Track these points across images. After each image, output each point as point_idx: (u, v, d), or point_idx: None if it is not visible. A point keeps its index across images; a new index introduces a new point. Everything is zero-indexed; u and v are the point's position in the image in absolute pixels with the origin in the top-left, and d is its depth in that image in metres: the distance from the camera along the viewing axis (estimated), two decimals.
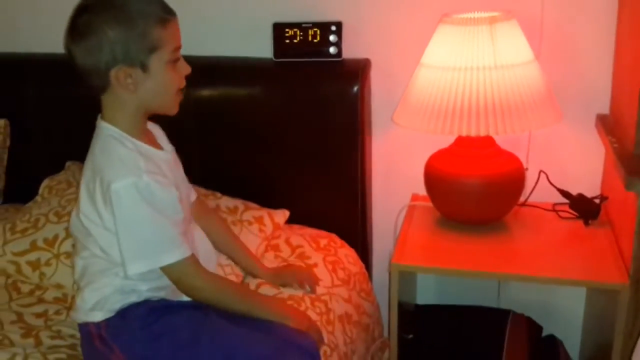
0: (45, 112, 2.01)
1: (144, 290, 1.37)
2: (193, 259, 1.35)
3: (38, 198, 1.81)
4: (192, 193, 1.58)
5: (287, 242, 1.78)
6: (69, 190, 1.77)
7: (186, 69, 1.35)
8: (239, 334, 1.36)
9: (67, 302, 1.59)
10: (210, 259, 1.53)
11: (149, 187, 1.27)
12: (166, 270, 1.33)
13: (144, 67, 1.28)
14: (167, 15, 1.30)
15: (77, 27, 1.27)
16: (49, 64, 1.98)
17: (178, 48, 1.33)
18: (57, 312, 1.56)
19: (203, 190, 1.79)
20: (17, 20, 2.07)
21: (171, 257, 1.32)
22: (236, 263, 1.62)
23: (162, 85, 1.32)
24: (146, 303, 1.38)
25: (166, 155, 1.40)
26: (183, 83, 1.36)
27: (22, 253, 1.66)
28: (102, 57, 1.26)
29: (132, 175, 1.27)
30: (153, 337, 1.35)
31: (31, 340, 1.44)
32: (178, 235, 1.32)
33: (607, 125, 1.71)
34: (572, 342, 1.95)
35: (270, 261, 1.72)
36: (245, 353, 1.33)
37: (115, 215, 1.28)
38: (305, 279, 1.63)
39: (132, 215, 1.29)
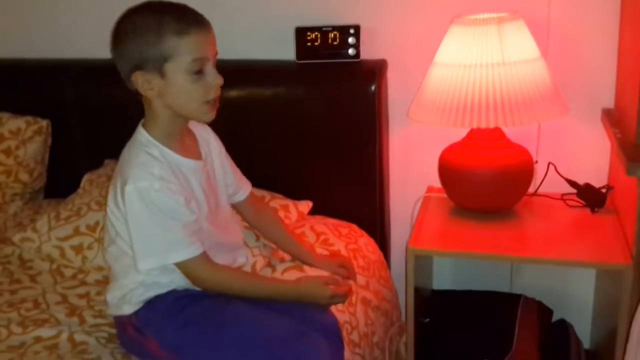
0: (84, 113, 2.13)
1: (166, 283, 1.43)
2: (202, 257, 1.40)
3: (80, 190, 1.92)
4: (242, 191, 1.63)
5: (312, 229, 1.86)
6: (109, 182, 1.85)
7: (215, 80, 1.36)
8: (260, 317, 1.39)
9: (107, 284, 1.68)
10: (240, 249, 1.62)
11: (158, 193, 1.34)
12: (176, 265, 1.40)
13: (161, 74, 1.33)
14: (186, 26, 1.31)
15: (112, 36, 1.37)
16: (86, 68, 2.12)
17: (201, 59, 1.33)
18: (98, 293, 1.65)
19: None
20: (58, 27, 2.19)
21: (178, 256, 1.38)
22: (292, 256, 1.69)
23: (182, 93, 1.35)
24: (171, 293, 1.44)
25: (195, 164, 1.45)
26: (212, 94, 1.36)
27: (66, 238, 1.76)
28: (126, 63, 1.35)
29: (145, 180, 1.34)
30: (180, 324, 1.41)
31: (75, 319, 1.54)
32: (187, 237, 1.38)
33: (612, 118, 1.79)
34: (583, 326, 2.01)
35: None
36: (266, 335, 1.36)
37: (127, 214, 1.36)
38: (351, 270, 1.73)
39: (142, 216, 1.35)
